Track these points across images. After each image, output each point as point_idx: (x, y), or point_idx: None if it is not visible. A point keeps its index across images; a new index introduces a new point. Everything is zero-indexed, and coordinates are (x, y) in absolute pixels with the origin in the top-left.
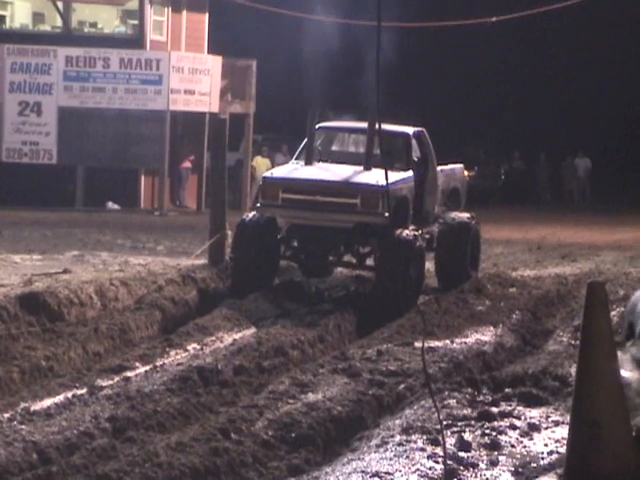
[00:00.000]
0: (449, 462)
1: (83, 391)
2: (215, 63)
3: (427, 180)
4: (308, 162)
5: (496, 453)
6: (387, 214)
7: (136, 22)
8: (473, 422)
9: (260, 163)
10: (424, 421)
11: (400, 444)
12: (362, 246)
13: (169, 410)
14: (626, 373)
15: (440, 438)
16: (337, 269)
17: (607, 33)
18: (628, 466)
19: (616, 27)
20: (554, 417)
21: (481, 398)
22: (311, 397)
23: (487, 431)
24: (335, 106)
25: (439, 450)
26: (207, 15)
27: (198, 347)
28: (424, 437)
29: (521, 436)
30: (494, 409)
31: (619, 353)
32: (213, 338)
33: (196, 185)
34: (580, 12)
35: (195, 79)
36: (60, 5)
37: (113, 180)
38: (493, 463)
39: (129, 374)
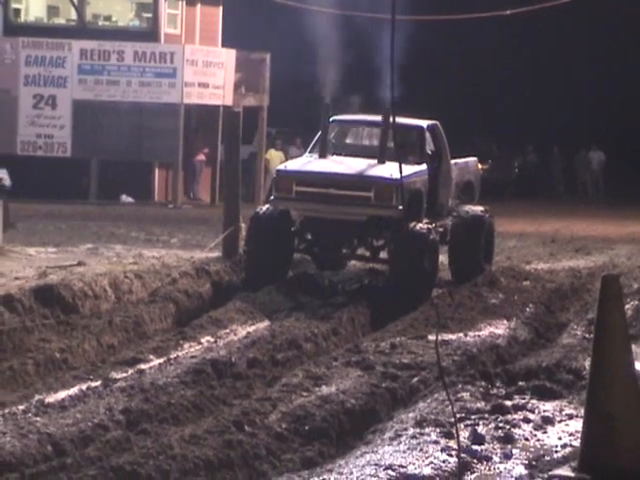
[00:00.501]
0: (463, 455)
1: (97, 383)
2: (229, 56)
3: (441, 173)
4: (322, 155)
5: (510, 446)
6: (401, 207)
7: (150, 15)
8: (487, 415)
9: (274, 156)
10: (438, 414)
11: (414, 437)
12: (376, 239)
13: (183, 402)
14: None
15: (454, 431)
16: (351, 262)
17: (622, 25)
18: None
19: (630, 19)
20: (568, 410)
21: (495, 391)
22: (325, 390)
23: (501, 424)
24: (344, 91)
25: (453, 443)
26: (221, 8)
27: (212, 340)
28: (438, 430)
29: (535, 429)
30: (508, 402)
31: (634, 346)
32: (227, 331)
33: (210, 178)
34: (593, 5)
35: (209, 72)
36: None
37: (127, 173)
38: (507, 456)
39: (143, 367)
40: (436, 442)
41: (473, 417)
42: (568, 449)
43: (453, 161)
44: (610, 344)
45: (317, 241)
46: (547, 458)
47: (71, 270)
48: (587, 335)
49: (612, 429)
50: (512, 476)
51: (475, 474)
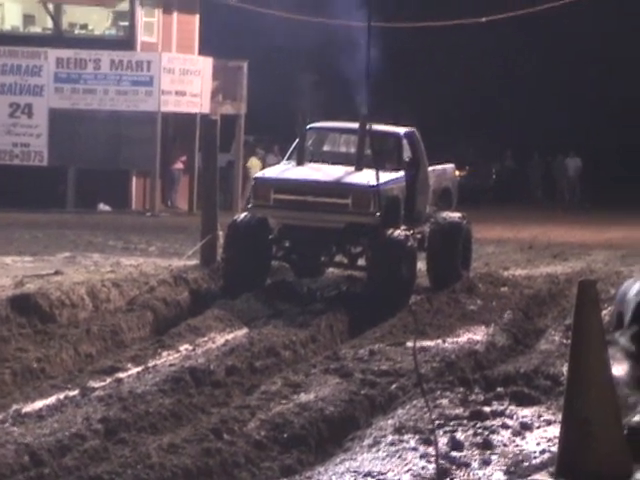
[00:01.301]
0: (441, 462)
1: (75, 392)
2: (206, 64)
3: (418, 180)
4: (299, 162)
5: (488, 452)
6: (378, 214)
7: (127, 23)
8: (465, 421)
9: (255, 164)
10: (416, 421)
11: (392, 444)
12: (354, 246)
13: (161, 411)
14: (618, 366)
15: (432, 438)
16: (329, 269)
17: (599, 33)
18: (620, 464)
19: (607, 27)
20: (546, 416)
21: (473, 397)
22: (303, 397)
23: (479, 430)
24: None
25: (431, 450)
26: (198, 16)
27: (190, 348)
28: (416, 437)
29: (513, 435)
30: (486, 408)
31: (611, 351)
32: (205, 339)
33: (188, 186)
34: (571, 12)
35: (186, 80)
36: (51, 7)
37: (104, 181)
38: (485, 462)
39: (121, 375)
40: (415, 449)
41: (452, 423)
42: (546, 454)
43: (430, 168)
44: (587, 350)
45: (295, 248)
46: (525, 464)
47: (48, 279)
48: (565, 341)
49: (589, 434)
50: None
51: None
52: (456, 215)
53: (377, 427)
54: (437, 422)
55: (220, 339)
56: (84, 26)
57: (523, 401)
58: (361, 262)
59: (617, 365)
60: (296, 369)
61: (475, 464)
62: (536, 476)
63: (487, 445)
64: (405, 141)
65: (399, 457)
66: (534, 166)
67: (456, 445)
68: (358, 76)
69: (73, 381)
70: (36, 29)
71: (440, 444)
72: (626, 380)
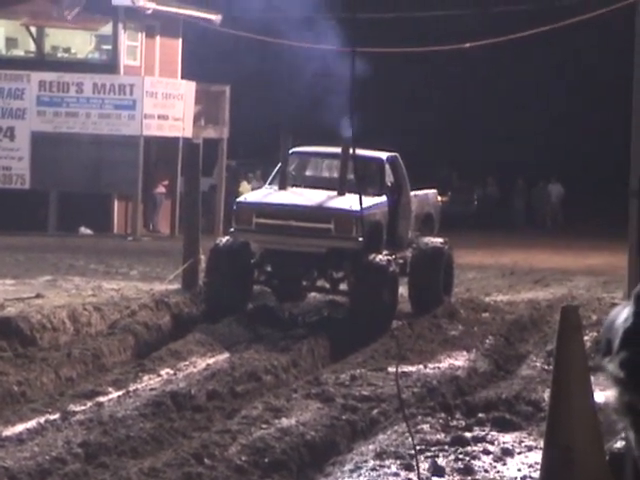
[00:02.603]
0: None
1: (55, 416)
2: (188, 88)
3: (401, 205)
4: (282, 187)
5: (469, 478)
6: (361, 239)
7: (110, 47)
8: (447, 447)
9: (246, 188)
10: (398, 446)
11: (374, 469)
12: (336, 271)
13: (142, 435)
14: (606, 392)
15: (414, 463)
16: (311, 294)
17: (581, 61)
18: None
19: (591, 55)
20: (527, 442)
21: (454, 423)
22: (284, 422)
23: (460, 456)
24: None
25: (413, 475)
26: (181, 40)
27: (171, 372)
28: (398, 462)
29: (494, 461)
30: (467, 434)
31: (593, 378)
32: (186, 363)
33: (170, 210)
34: (553, 40)
35: (169, 104)
36: (33, 30)
37: (86, 205)
38: None
39: (102, 399)
40: (396, 474)
41: (433, 449)
42: None
43: (413, 193)
44: (569, 376)
45: (277, 273)
46: None
47: (29, 302)
48: (546, 367)
49: (571, 460)
50: None
51: None
52: (438, 240)
53: (358, 452)
54: (418, 447)
55: (201, 363)
56: (67, 49)
57: (504, 427)
58: (343, 287)
59: (606, 391)
60: (277, 394)
61: None
62: None
63: (468, 471)
64: (388, 166)
65: None
66: (518, 191)
67: (437, 470)
68: (340, 101)
69: (54, 405)
70: (19, 52)
71: (421, 469)
72: (615, 406)
